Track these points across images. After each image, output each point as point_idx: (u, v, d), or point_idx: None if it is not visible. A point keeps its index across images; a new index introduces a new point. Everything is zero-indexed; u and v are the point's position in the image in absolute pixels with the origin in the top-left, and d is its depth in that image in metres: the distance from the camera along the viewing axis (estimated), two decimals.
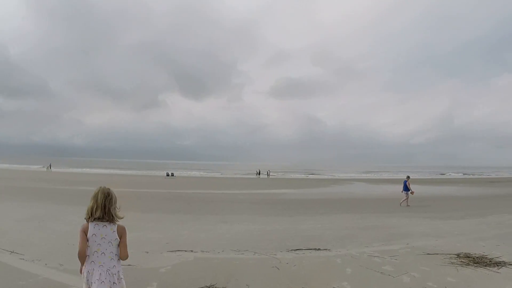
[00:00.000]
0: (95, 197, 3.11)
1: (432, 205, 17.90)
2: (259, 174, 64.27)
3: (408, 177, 18.72)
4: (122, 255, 3.18)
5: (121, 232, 3.18)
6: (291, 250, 7.38)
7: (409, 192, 17.62)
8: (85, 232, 3.07)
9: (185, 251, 7.15)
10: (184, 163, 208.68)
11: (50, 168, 62.65)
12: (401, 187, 18.82)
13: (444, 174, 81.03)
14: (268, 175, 64.04)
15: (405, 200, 17.65)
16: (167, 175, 58.41)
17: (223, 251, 7.25)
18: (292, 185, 37.79)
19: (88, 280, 3.09)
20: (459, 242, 8.36)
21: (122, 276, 3.22)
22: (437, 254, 7.17)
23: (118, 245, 3.17)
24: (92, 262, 3.09)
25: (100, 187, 3.20)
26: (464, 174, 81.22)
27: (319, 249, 7.50)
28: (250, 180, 48.69)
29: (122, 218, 3.22)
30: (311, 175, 74.80)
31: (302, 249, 7.44)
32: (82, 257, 3.09)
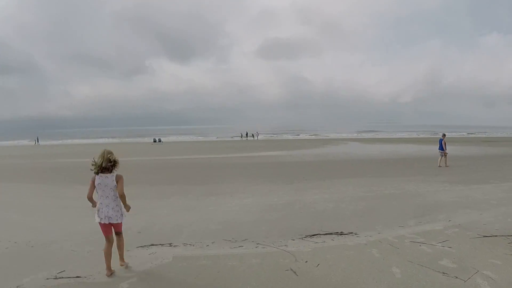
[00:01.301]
0: (102, 154, 4.23)
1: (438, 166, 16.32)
2: (247, 136, 62.14)
3: (444, 135, 17.00)
4: (118, 192, 4.23)
5: (118, 178, 4.27)
6: (306, 236, 5.51)
7: (444, 151, 16.09)
8: (93, 181, 4.24)
9: (162, 245, 5.22)
10: (173, 128, 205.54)
11: (38, 141, 59.57)
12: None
13: (437, 134, 79.58)
14: (254, 137, 61.87)
15: (442, 160, 16.08)
16: (154, 141, 56.33)
17: (213, 242, 5.32)
18: (284, 146, 36.03)
19: (99, 216, 4.22)
20: (509, 217, 6.63)
21: (123, 211, 4.34)
22: (495, 236, 5.43)
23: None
24: (101, 203, 4.23)
25: (104, 149, 4.34)
26: (467, 133, 79.69)
27: (342, 234, 5.65)
28: (240, 142, 46.72)
29: (117, 169, 4.32)
30: (302, 136, 73.35)
31: (320, 235, 5.58)
32: (90, 200, 4.27)
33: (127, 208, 4.32)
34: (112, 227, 4.33)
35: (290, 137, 70.13)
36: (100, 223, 4.23)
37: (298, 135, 77.02)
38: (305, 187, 10.54)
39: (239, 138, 61.28)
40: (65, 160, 23.28)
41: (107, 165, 4.17)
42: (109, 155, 4.21)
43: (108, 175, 4.20)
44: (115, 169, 4.27)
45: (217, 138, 69.14)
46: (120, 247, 4.48)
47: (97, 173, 4.18)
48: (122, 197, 4.22)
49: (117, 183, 4.21)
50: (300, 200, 8.51)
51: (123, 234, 4.51)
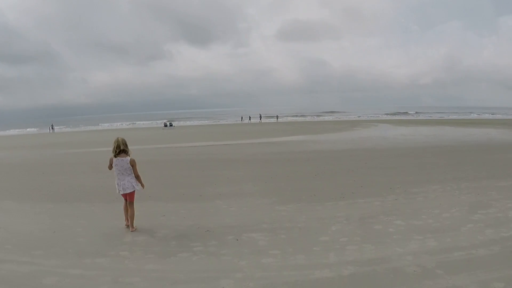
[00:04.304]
0: (116, 141, 5.19)
1: None
2: (250, 119, 60.06)
3: None
4: (135, 175, 5.27)
5: (132, 162, 5.21)
6: None
7: None
8: (111, 162, 5.24)
9: None
10: (189, 111, 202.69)
11: (53, 129, 56.47)
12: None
13: (470, 115, 72.25)
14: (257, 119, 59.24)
15: None
16: (165, 125, 52.69)
17: None
18: (307, 130, 31.40)
19: (118, 189, 5.25)
20: None
21: (136, 183, 5.32)
22: None
23: (131, 169, 5.21)
24: (119, 179, 5.25)
25: (118, 137, 5.28)
26: (491, 114, 72.07)
27: None
28: (256, 126, 41.88)
29: (131, 153, 5.31)
30: (323, 117, 68.38)
31: None
32: (109, 168, 5.35)
33: (143, 186, 5.39)
34: (127, 197, 5.34)
35: (311, 119, 65.21)
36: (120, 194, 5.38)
37: (322, 116, 72.14)
38: (371, 213, 5.90)
39: (249, 121, 58.29)
40: (62, 151, 19.39)
41: (123, 149, 5.15)
42: (123, 141, 5.20)
43: (124, 158, 5.16)
44: (129, 152, 5.24)
45: (226, 121, 65.28)
46: (131, 217, 5.36)
47: (115, 156, 5.15)
48: (138, 178, 5.32)
49: (132, 167, 5.20)
50: (382, 262, 3.94)
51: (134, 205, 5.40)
